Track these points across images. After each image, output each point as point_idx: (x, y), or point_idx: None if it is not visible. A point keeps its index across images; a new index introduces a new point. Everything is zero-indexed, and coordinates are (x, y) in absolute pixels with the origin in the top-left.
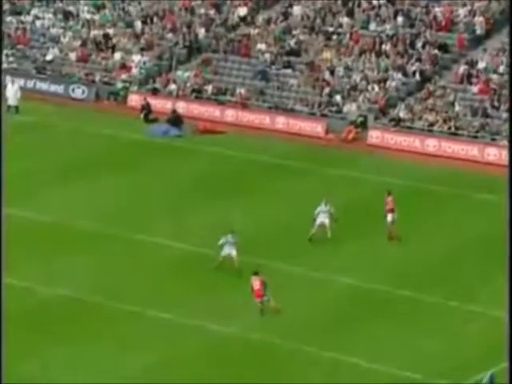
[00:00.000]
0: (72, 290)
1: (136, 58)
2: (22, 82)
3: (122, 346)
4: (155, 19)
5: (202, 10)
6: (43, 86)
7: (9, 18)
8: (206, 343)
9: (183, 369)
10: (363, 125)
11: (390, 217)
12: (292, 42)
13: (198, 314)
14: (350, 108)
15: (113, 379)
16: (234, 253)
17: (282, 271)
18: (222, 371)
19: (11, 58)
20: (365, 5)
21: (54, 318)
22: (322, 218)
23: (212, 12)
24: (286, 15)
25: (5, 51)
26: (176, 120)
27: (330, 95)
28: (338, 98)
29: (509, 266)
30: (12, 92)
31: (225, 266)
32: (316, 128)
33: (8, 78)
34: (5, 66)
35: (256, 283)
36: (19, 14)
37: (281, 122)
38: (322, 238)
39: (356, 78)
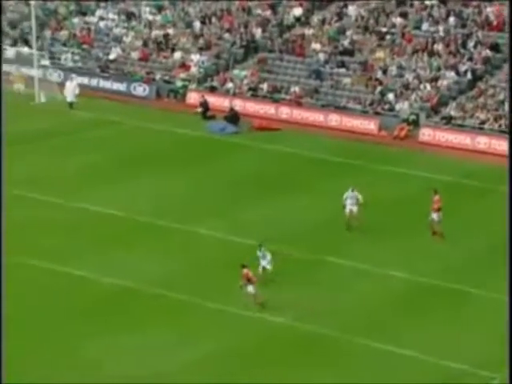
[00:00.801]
0: (133, 280)
1: (195, 57)
2: (86, 80)
3: (182, 335)
4: (213, 20)
5: (259, 11)
6: (106, 84)
7: (75, 19)
8: (264, 333)
9: (241, 358)
10: (415, 123)
11: (436, 216)
12: (346, 42)
13: (247, 304)
14: (402, 106)
15: (172, 368)
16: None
17: (333, 265)
18: (278, 361)
19: (76, 57)
20: (418, 5)
21: (116, 307)
22: (350, 206)
23: (268, 13)
24: (341, 15)
25: (70, 50)
26: (233, 117)
27: (383, 94)
28: (390, 96)
29: (509, 264)
30: (70, 89)
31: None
32: (369, 126)
33: (63, 74)
34: (70, 64)
35: (249, 273)
36: (84, 14)
37: (334, 119)
38: (367, 229)
39: (408, 76)
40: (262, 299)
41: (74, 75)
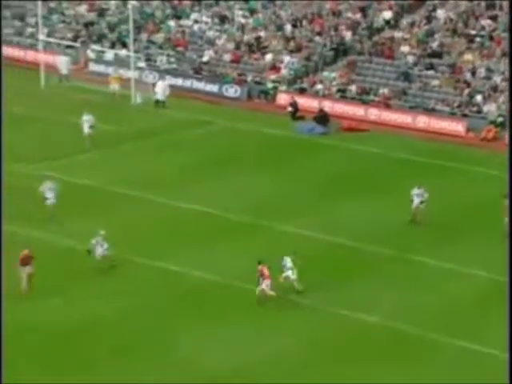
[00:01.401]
0: (221, 275)
1: (285, 59)
2: (180, 81)
3: (264, 328)
4: (304, 22)
5: (349, 14)
6: (199, 85)
7: (170, 22)
8: (354, 331)
9: (321, 353)
10: (502, 125)
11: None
12: (434, 45)
13: (336, 302)
14: (490, 108)
15: (253, 359)
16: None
17: (419, 264)
18: (366, 357)
19: (172, 59)
20: (507, 8)
21: (205, 301)
22: (417, 202)
23: (358, 16)
24: (430, 19)
25: (165, 52)
26: (322, 118)
27: (471, 96)
28: (478, 98)
29: (509, 259)
30: (161, 88)
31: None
32: (456, 127)
33: (158, 75)
34: (165, 66)
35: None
36: (179, 18)
37: (422, 121)
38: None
39: (497, 79)
40: (267, 296)
41: (167, 76)
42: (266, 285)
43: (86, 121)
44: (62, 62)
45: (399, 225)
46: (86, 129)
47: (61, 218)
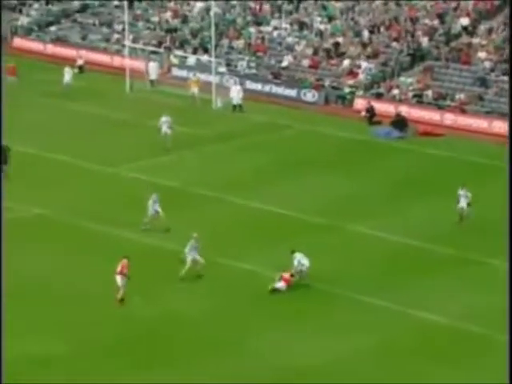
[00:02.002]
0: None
1: (363, 64)
2: (259, 86)
3: (335, 329)
4: (381, 29)
5: (426, 20)
6: (278, 90)
7: (251, 29)
8: (416, 329)
9: (394, 353)
10: None
11: None
12: None
13: (408, 302)
14: None
15: (321, 361)
16: None
17: (487, 265)
18: (431, 358)
19: (252, 64)
20: None
21: (280, 299)
22: (462, 203)
23: (436, 22)
24: (507, 25)
25: (246, 58)
26: (399, 123)
27: None
28: None
29: (509, 258)
30: (236, 92)
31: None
32: None
33: (233, 80)
34: (246, 71)
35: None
36: (260, 24)
37: (498, 126)
38: None
39: None
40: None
41: (237, 79)
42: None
43: (164, 122)
44: (152, 68)
45: (470, 227)
46: (164, 129)
47: (136, 216)
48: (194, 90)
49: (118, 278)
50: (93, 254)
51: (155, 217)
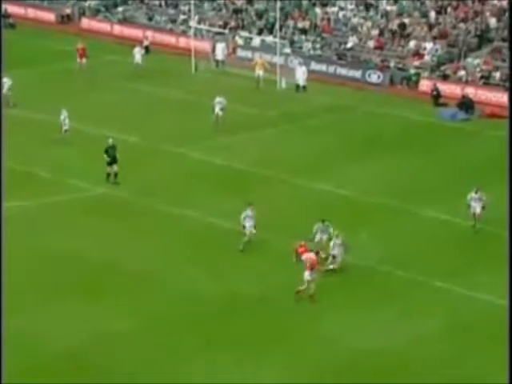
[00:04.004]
0: (362, 259)
1: (429, 45)
2: (324, 67)
3: (405, 312)
4: (449, 9)
5: (495, 1)
6: (343, 71)
7: (316, 9)
8: (482, 313)
9: (461, 338)
10: None
11: None
12: None
13: (475, 286)
14: None
15: (393, 344)
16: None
17: None
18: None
19: (317, 45)
20: None
21: (350, 283)
22: (475, 208)
23: (504, 2)
24: None
25: (311, 39)
26: (466, 104)
27: None
28: None
29: (509, 260)
30: (300, 73)
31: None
32: None
33: (296, 61)
34: (311, 53)
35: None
36: (325, 5)
37: None
38: None
39: None
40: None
41: (301, 60)
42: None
43: (218, 103)
44: (219, 49)
45: None
46: (217, 110)
47: (205, 197)
48: (260, 72)
49: (307, 274)
50: (160, 235)
51: (251, 235)
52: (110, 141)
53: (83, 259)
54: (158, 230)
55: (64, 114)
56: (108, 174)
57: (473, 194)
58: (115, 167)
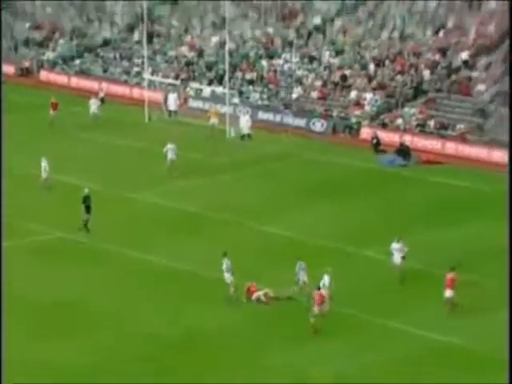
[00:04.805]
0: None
1: (369, 96)
2: (271, 116)
3: (349, 347)
4: (387, 62)
5: (429, 55)
6: (289, 119)
7: (263, 62)
8: (419, 348)
9: (399, 370)
10: None
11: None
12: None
13: (411, 322)
14: None
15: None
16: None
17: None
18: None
19: (264, 96)
20: None
21: (296, 319)
22: (396, 258)
23: (437, 56)
24: (505, 60)
25: (259, 89)
26: (403, 151)
27: None
28: None
29: (509, 265)
30: (244, 122)
31: None
32: None
33: (241, 110)
34: (259, 102)
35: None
36: (271, 58)
37: (497, 155)
38: None
39: None
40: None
41: (246, 109)
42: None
43: (170, 149)
44: (171, 99)
45: (480, 250)
46: (169, 156)
47: (163, 240)
48: (214, 120)
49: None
50: (119, 277)
51: (301, 286)
52: (86, 190)
53: (38, 301)
54: (117, 272)
55: (44, 162)
56: (85, 221)
57: (394, 244)
58: (88, 215)
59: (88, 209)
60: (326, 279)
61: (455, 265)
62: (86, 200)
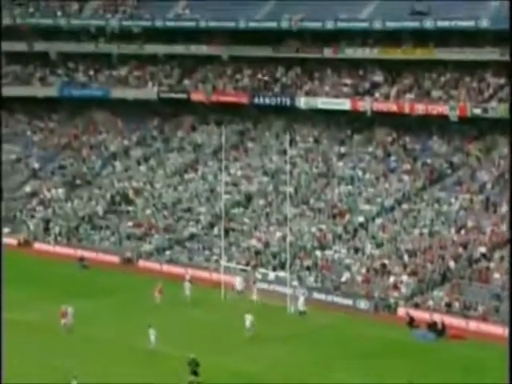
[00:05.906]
0: None
1: (404, 279)
2: (323, 296)
3: None
4: (418, 253)
5: (453, 248)
6: (338, 299)
7: (317, 252)
8: None
9: None
10: None
11: None
12: None
13: None
14: None
15: None
16: None
17: None
18: None
19: (318, 279)
20: None
21: None
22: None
23: (460, 249)
24: None
25: (314, 274)
26: (435, 328)
27: None
28: None
29: (509, 271)
30: (301, 301)
31: None
32: None
33: (299, 291)
34: (314, 285)
35: None
36: (324, 249)
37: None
38: None
39: None
40: None
41: (304, 291)
42: None
43: (247, 319)
44: (238, 281)
45: None
46: (247, 323)
47: None
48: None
49: None
50: None
51: None
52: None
53: None
54: None
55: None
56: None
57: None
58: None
59: (195, 373)
60: None
61: None
62: (191, 363)
